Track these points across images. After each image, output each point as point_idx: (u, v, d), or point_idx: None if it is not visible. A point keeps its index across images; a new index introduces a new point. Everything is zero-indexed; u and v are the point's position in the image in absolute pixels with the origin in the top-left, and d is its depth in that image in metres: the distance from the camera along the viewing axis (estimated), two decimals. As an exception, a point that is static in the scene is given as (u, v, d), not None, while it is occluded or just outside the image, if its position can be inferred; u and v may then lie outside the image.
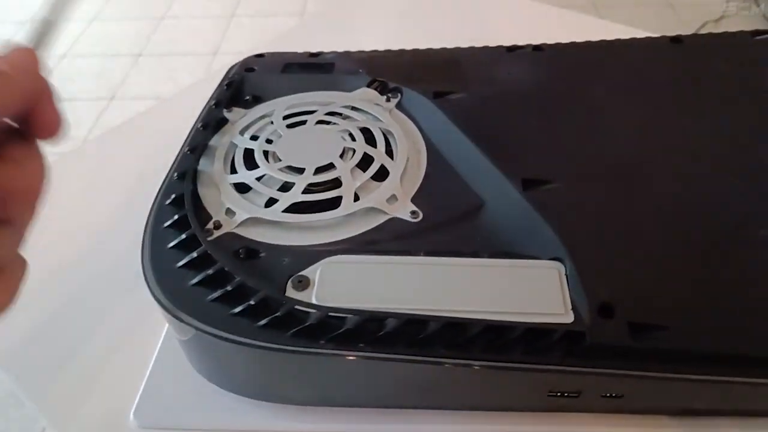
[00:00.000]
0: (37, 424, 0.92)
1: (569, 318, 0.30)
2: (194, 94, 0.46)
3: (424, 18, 0.76)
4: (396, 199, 0.36)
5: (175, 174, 0.37)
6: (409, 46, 0.49)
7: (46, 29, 0.25)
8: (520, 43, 0.48)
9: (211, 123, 0.41)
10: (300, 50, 0.49)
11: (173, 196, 0.35)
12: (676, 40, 0.46)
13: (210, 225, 0.35)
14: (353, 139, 0.39)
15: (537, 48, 0.47)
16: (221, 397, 0.35)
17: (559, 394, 0.31)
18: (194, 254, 0.32)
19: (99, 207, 0.50)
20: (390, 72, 0.45)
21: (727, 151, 0.37)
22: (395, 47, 0.50)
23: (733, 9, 1.73)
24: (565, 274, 0.31)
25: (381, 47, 0.50)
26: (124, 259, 0.37)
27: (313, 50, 0.49)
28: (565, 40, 0.47)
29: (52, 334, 0.41)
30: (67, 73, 1.75)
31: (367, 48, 0.50)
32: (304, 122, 0.41)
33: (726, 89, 0.42)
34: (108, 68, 1.76)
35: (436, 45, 0.49)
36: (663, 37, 0.47)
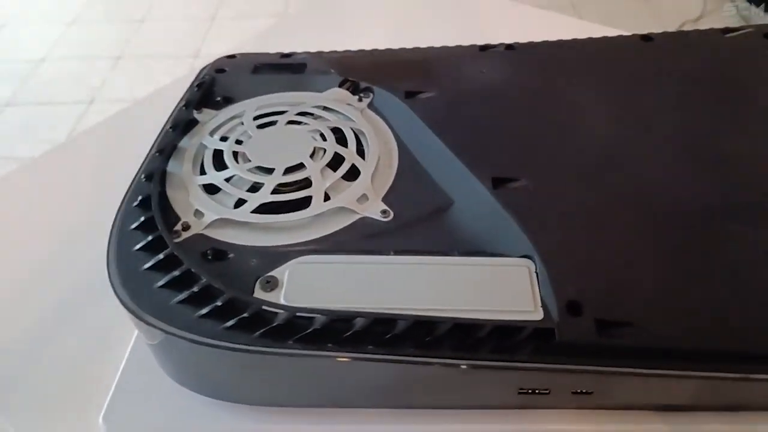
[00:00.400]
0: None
1: (539, 315, 0.30)
2: (169, 95, 0.45)
3: (403, 20, 0.76)
4: (367, 198, 0.36)
5: (143, 176, 0.37)
6: (387, 47, 0.49)
7: None
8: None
9: (181, 124, 0.41)
10: (279, 51, 0.49)
11: (140, 197, 0.35)
12: (647, 38, 0.46)
13: (178, 227, 0.34)
14: (324, 139, 0.39)
15: (509, 47, 0.47)
16: (191, 400, 0.34)
17: (529, 391, 0.31)
18: (160, 256, 0.32)
19: (71, 210, 0.49)
20: (362, 72, 0.45)
21: (696, 148, 0.38)
22: (374, 48, 0.50)
23: (711, 9, 1.75)
24: (535, 272, 0.31)
25: (360, 47, 0.50)
26: (95, 265, 0.37)
27: (294, 50, 0.49)
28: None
29: (20, 341, 0.41)
30: (45, 76, 1.73)
31: (348, 48, 0.50)
32: (274, 123, 0.41)
33: (696, 86, 0.42)
34: (87, 71, 1.74)
35: (415, 45, 0.49)
36: (634, 36, 0.47)
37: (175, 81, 0.55)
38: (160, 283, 0.31)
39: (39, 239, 0.47)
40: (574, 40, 0.47)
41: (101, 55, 1.82)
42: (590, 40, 0.47)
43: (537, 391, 0.31)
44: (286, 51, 0.49)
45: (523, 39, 0.48)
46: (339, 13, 0.80)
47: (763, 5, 1.57)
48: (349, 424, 0.34)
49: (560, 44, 0.47)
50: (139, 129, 0.42)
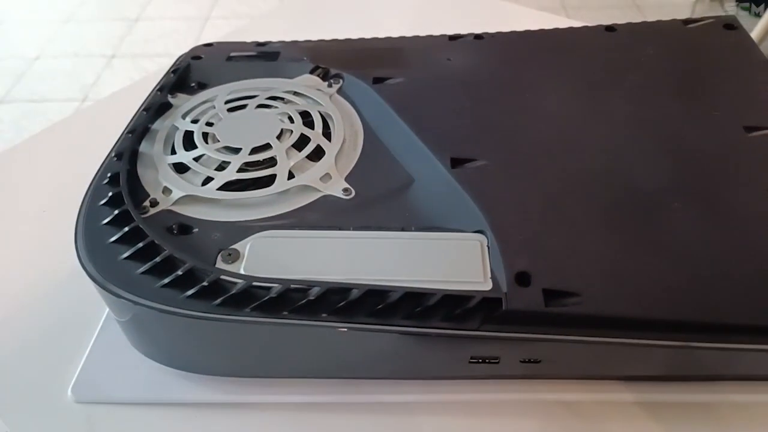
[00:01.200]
0: None
1: (488, 286, 0.31)
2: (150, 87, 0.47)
3: (397, 18, 0.77)
4: (330, 177, 0.37)
5: (114, 154, 0.38)
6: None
7: None
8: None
9: (154, 107, 0.42)
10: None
11: (109, 174, 0.36)
12: (611, 28, 0.48)
13: (146, 203, 0.36)
14: (291, 122, 0.40)
15: (478, 36, 0.49)
16: (156, 371, 0.36)
17: (480, 360, 0.32)
18: (126, 229, 0.33)
19: (61, 191, 0.50)
20: (333, 59, 0.46)
21: (648, 132, 0.39)
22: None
23: (700, 11, 1.77)
24: (487, 246, 0.33)
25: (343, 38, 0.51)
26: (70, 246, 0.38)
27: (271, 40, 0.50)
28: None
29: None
30: (39, 73, 1.74)
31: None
32: (245, 106, 0.42)
33: (653, 75, 0.43)
34: (81, 69, 1.75)
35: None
36: (598, 26, 0.48)
37: (156, 71, 0.56)
38: (125, 255, 0.32)
39: (14, 220, 0.48)
40: (541, 30, 0.48)
41: (95, 53, 1.83)
42: (556, 30, 0.48)
43: (487, 360, 0.32)
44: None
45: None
46: (330, 10, 0.81)
47: (763, 5, 1.58)
48: (305, 395, 0.35)
49: (527, 34, 0.48)
50: (119, 118, 0.43)
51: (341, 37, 0.51)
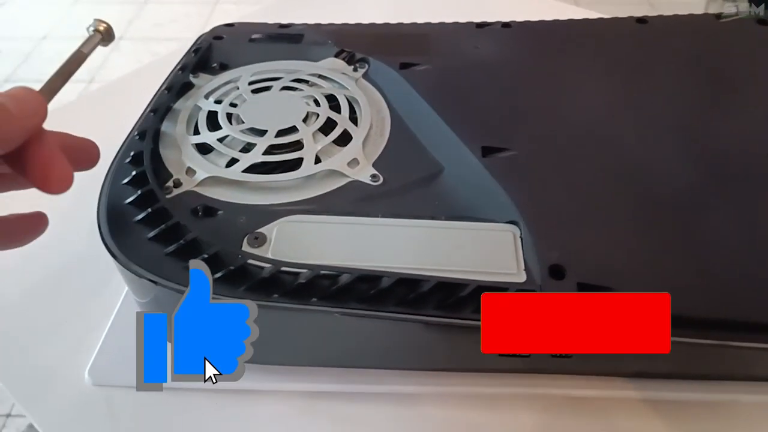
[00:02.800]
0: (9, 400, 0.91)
1: (521, 278, 0.30)
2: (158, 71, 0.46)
3: (406, 3, 0.76)
4: (357, 162, 0.36)
5: (136, 133, 0.37)
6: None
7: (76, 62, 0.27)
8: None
9: (176, 87, 0.41)
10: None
11: (132, 153, 0.35)
12: (642, 20, 0.47)
13: (170, 183, 0.35)
14: (317, 105, 0.39)
15: (505, 25, 0.48)
16: (176, 355, 0.35)
17: (511, 354, 0.32)
18: (150, 209, 0.32)
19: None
20: (358, 43, 0.45)
21: (683, 126, 0.38)
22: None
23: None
24: (520, 237, 0.32)
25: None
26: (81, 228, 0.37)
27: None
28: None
29: (12, 301, 0.41)
30: (47, 54, 1.73)
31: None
32: (269, 88, 0.41)
33: (686, 68, 0.42)
34: (88, 51, 1.73)
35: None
36: (629, 18, 0.47)
37: (174, 51, 0.56)
38: (150, 235, 0.31)
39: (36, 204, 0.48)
40: (570, 21, 0.47)
41: (103, 35, 1.81)
42: (586, 20, 0.48)
43: (518, 354, 0.32)
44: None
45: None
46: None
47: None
48: (330, 383, 0.34)
49: (556, 24, 0.47)
50: (127, 101, 0.42)
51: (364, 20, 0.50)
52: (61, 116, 0.57)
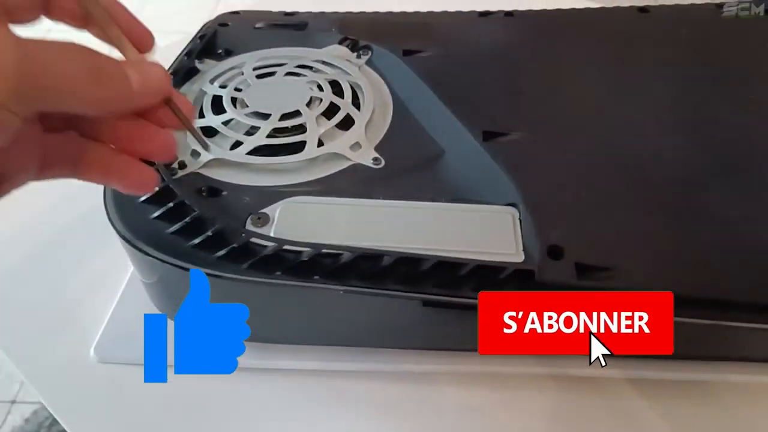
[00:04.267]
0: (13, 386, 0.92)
1: (520, 258, 0.31)
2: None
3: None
4: (359, 146, 0.37)
5: (142, 116, 0.37)
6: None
7: None
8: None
9: (182, 71, 0.42)
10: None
11: (139, 134, 0.36)
12: (644, 9, 0.47)
13: (175, 165, 0.35)
14: (321, 90, 0.40)
15: (508, 14, 0.48)
16: (181, 333, 0.35)
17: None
18: (156, 188, 0.33)
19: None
20: (362, 31, 0.46)
21: (682, 113, 0.39)
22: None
23: None
24: (519, 219, 0.32)
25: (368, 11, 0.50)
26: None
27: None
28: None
29: (21, 279, 0.42)
30: (51, 47, 1.73)
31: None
32: (273, 74, 0.41)
33: (688, 56, 0.43)
34: (92, 42, 1.74)
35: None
36: (631, 7, 0.48)
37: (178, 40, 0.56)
38: (155, 214, 0.32)
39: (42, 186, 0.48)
40: (572, 9, 0.48)
41: (108, 27, 1.82)
42: (588, 9, 0.48)
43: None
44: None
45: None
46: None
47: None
48: (331, 361, 0.35)
49: (558, 12, 0.48)
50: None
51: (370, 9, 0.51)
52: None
